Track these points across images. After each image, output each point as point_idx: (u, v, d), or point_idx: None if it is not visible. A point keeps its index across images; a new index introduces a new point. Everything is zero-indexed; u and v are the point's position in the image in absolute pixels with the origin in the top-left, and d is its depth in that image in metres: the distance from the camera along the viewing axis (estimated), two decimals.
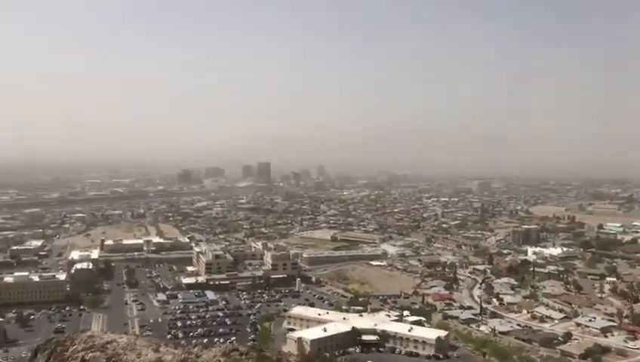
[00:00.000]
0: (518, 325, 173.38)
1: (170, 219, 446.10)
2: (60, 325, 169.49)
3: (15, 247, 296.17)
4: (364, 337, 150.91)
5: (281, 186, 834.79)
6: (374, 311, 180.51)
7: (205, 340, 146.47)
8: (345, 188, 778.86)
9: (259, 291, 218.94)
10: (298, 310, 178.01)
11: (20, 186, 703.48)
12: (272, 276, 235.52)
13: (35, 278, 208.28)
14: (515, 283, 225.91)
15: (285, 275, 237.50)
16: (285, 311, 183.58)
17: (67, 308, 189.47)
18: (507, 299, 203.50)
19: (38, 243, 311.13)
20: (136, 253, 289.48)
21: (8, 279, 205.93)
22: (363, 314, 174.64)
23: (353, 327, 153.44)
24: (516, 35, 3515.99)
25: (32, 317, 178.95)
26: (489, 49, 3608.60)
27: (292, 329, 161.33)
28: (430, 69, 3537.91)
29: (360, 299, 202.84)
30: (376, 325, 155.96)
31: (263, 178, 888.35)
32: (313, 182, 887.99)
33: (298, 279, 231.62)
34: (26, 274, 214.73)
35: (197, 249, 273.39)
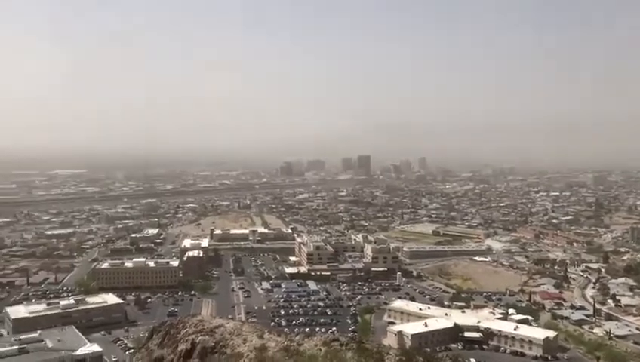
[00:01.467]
0: (638, 329, 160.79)
1: (274, 210, 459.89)
2: (173, 309, 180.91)
3: (134, 235, 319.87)
4: (467, 334, 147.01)
5: (381, 179, 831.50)
6: (478, 307, 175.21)
7: (307, 329, 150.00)
8: (447, 181, 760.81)
9: (359, 283, 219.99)
10: (399, 303, 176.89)
11: (139, 178, 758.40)
12: (373, 269, 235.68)
13: (152, 264, 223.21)
14: (634, 283, 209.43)
15: (385, 268, 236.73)
16: (386, 304, 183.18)
17: (179, 293, 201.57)
18: (625, 300, 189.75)
19: (154, 231, 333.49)
20: (242, 243, 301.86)
21: (128, 264, 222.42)
22: (466, 310, 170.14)
23: (455, 323, 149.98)
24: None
25: (149, 300, 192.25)
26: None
27: (392, 323, 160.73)
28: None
29: (463, 295, 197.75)
30: (479, 322, 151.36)
31: (363, 171, 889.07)
32: (414, 175, 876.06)
33: (399, 273, 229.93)
34: (144, 260, 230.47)
35: (299, 240, 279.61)
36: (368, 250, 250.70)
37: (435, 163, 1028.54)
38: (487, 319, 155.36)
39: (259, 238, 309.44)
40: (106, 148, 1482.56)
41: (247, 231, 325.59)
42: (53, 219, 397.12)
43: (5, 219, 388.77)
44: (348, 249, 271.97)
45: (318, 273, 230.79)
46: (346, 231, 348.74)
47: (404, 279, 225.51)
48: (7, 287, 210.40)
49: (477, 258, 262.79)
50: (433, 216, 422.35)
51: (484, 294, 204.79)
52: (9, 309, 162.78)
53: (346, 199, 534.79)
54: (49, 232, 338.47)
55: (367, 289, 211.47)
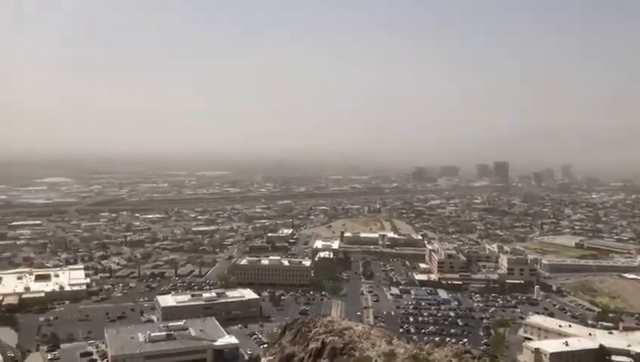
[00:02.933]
0: None
1: (404, 215, 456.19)
2: (304, 307, 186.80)
3: (270, 234, 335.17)
4: (614, 358, 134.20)
5: (520, 187, 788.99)
6: (628, 329, 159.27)
7: (437, 338, 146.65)
8: (594, 190, 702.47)
9: (493, 295, 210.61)
10: (536, 319, 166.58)
11: (276, 180, 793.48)
12: (508, 281, 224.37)
13: (286, 263, 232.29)
14: None
15: (522, 281, 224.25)
16: (522, 318, 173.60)
17: (311, 293, 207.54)
18: None
19: (289, 231, 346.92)
20: (372, 246, 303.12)
21: (264, 261, 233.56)
22: (613, 331, 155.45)
23: (601, 345, 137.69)
24: None
25: (282, 297, 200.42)
26: None
27: (528, 339, 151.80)
28: None
29: (610, 315, 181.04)
30: (629, 346, 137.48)
31: (500, 178, 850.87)
32: (556, 183, 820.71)
33: (536, 286, 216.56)
34: (278, 258, 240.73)
35: (430, 247, 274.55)
36: (504, 260, 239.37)
37: (581, 171, 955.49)
38: (639, 343, 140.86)
39: (388, 243, 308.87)
40: (247, 151, 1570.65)
41: (376, 236, 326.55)
42: (199, 217, 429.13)
43: (159, 215, 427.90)
44: (481, 258, 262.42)
45: (449, 282, 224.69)
46: (479, 240, 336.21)
47: (542, 293, 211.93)
48: (158, 278, 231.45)
49: (627, 275, 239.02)
50: (577, 227, 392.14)
51: (636, 315, 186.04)
52: (159, 298, 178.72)
53: (480, 207, 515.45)
54: (195, 228, 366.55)
55: (501, 302, 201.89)
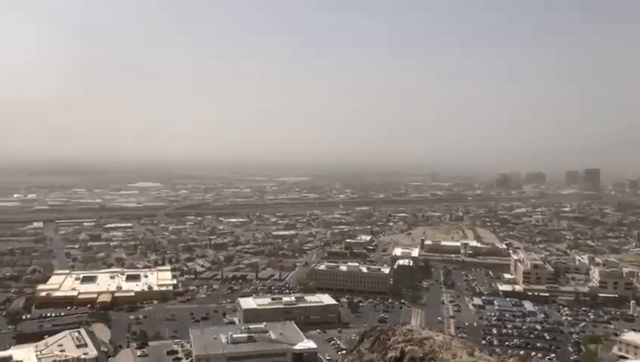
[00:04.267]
0: None
1: (488, 223, 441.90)
2: (383, 315, 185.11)
3: (349, 240, 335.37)
4: None
5: (613, 195, 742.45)
6: None
7: (521, 352, 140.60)
8: None
9: (583, 309, 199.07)
10: (633, 336, 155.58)
11: (355, 187, 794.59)
12: (600, 294, 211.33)
13: (364, 269, 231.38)
14: None
15: (616, 295, 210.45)
16: (616, 334, 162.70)
17: (390, 300, 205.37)
18: None
19: (367, 237, 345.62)
20: (453, 255, 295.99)
21: (343, 267, 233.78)
22: None
23: None
24: None
25: (360, 304, 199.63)
26: None
27: (624, 357, 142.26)
28: None
29: None
30: None
31: (591, 185, 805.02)
32: None
33: (632, 301, 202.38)
34: (357, 264, 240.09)
35: (514, 256, 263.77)
36: (595, 273, 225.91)
37: None
38: None
39: (470, 252, 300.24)
40: (327, 157, 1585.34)
41: (458, 244, 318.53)
42: (280, 221, 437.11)
43: (241, 219, 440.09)
44: (570, 270, 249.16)
45: (536, 293, 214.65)
46: (568, 251, 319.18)
47: (639, 309, 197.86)
48: (240, 280, 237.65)
49: None
50: None
51: None
52: (241, 300, 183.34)
53: (569, 215, 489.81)
54: (275, 233, 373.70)
55: (592, 316, 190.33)
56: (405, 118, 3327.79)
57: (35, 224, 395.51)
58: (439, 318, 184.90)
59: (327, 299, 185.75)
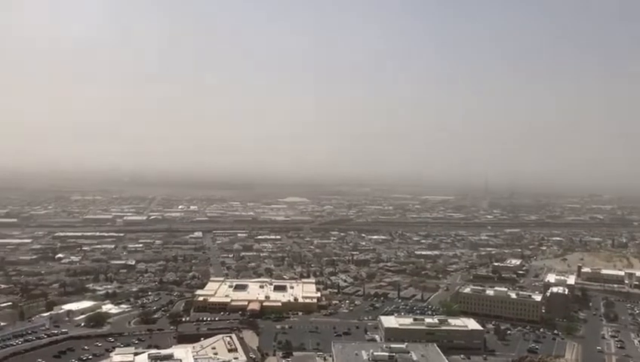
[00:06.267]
0: None
1: None
2: (533, 345, 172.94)
3: (496, 263, 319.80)
4: None
5: None
6: None
7: None
8: None
9: None
10: None
11: (504, 207, 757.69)
12: None
13: (513, 295, 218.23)
14: None
15: None
16: None
17: (541, 330, 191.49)
18: None
19: (517, 261, 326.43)
20: (615, 285, 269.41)
21: (489, 292, 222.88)
22: None
23: None
24: None
25: (508, 331, 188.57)
26: None
27: None
28: None
29: None
30: None
31: None
32: None
33: None
34: (505, 289, 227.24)
35: None
36: None
37: None
38: None
39: (637, 283, 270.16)
40: (471, 176, 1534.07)
41: (622, 273, 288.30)
42: (422, 241, 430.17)
43: (383, 237, 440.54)
44: None
45: None
46: None
47: None
48: (382, 298, 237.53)
49: None
50: None
51: None
52: (383, 318, 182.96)
53: None
54: (418, 252, 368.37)
55: None
56: (566, 136, 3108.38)
57: (196, 233, 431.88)
58: (598, 348, 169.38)
59: (472, 324, 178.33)
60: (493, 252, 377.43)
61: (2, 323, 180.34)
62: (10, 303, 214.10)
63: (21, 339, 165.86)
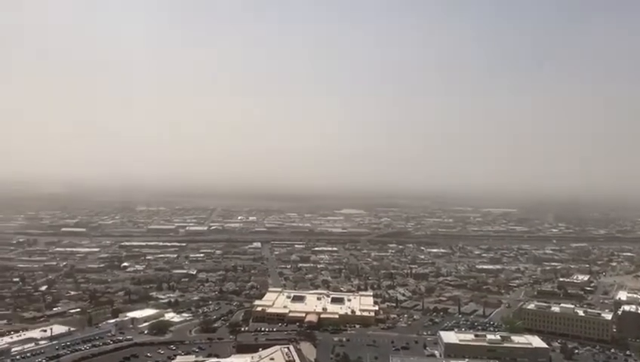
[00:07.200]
0: None
1: None
2: None
3: (562, 279, 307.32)
4: None
5: None
6: None
7: None
8: None
9: None
10: None
11: (570, 221, 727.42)
12: None
13: (580, 313, 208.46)
14: None
15: None
16: None
17: (612, 350, 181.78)
18: None
19: (585, 277, 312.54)
20: None
21: (555, 309, 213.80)
22: None
23: None
24: None
25: (576, 351, 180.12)
26: None
27: None
28: None
29: None
30: None
31: None
32: None
33: None
34: (572, 306, 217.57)
35: None
36: None
37: None
38: None
39: None
40: (537, 189, 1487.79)
41: None
42: (484, 255, 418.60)
43: (443, 250, 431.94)
44: None
45: None
46: None
47: None
48: (441, 312, 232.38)
49: None
50: None
51: None
52: (442, 333, 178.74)
53: None
54: (479, 266, 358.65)
55: None
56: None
57: (255, 244, 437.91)
58: None
59: (536, 342, 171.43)
60: (558, 267, 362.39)
61: (72, 329, 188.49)
62: (79, 309, 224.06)
63: (89, 344, 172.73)
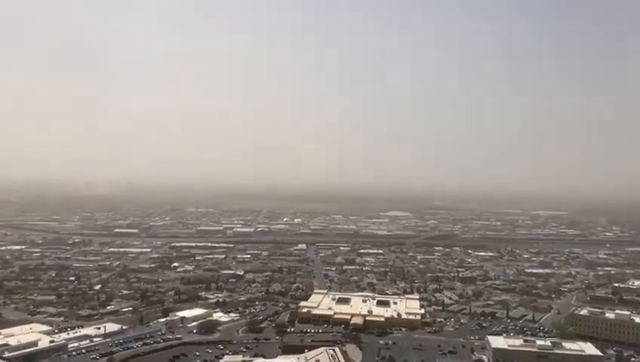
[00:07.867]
0: None
1: None
2: None
3: (616, 284, 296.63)
4: None
5: None
6: None
7: None
8: None
9: None
10: None
11: (624, 224, 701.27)
12: None
13: (637, 319, 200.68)
14: None
15: None
16: None
17: None
18: None
19: None
20: None
21: (610, 315, 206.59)
22: None
23: None
24: None
25: (632, 359, 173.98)
26: None
27: None
28: None
29: None
30: None
31: None
32: None
33: None
34: (628, 313, 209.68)
35: None
36: None
37: None
38: None
39: None
40: (587, 191, 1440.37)
41: None
42: (533, 258, 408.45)
43: (491, 253, 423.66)
44: None
45: None
46: None
47: None
48: (489, 317, 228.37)
49: None
50: None
51: None
52: (490, 338, 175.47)
53: None
54: (528, 270, 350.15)
55: None
56: None
57: (300, 246, 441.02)
58: None
59: (589, 349, 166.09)
60: (612, 272, 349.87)
61: (124, 327, 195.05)
62: (131, 308, 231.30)
63: (140, 342, 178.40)
